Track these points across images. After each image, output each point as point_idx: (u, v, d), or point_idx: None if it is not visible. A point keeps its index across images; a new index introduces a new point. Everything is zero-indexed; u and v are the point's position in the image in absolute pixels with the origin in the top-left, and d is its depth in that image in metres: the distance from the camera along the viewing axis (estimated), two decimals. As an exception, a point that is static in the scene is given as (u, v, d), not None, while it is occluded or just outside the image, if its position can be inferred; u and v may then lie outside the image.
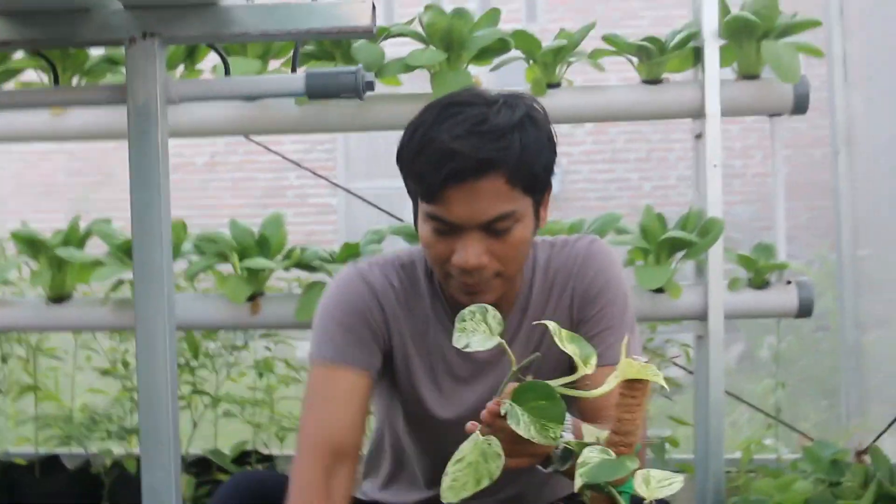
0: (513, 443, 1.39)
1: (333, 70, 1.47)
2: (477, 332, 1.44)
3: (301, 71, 1.57)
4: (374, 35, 1.61)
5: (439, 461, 1.96)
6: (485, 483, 1.39)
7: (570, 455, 1.56)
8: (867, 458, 2.90)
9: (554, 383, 1.40)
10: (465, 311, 1.44)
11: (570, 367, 1.81)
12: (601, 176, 9.51)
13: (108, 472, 3.10)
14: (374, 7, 1.58)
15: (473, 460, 1.39)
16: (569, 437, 1.54)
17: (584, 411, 1.78)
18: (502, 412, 1.37)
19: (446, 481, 1.39)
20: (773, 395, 3.10)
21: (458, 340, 1.42)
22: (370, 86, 1.43)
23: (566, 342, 1.43)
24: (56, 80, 1.83)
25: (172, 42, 1.52)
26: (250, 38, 1.49)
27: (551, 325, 1.42)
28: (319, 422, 1.80)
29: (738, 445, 3.08)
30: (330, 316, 1.87)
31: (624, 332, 1.86)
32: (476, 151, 1.65)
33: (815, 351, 6.30)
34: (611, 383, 1.38)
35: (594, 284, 1.89)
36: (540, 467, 1.57)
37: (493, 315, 1.45)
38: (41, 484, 3.18)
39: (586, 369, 1.41)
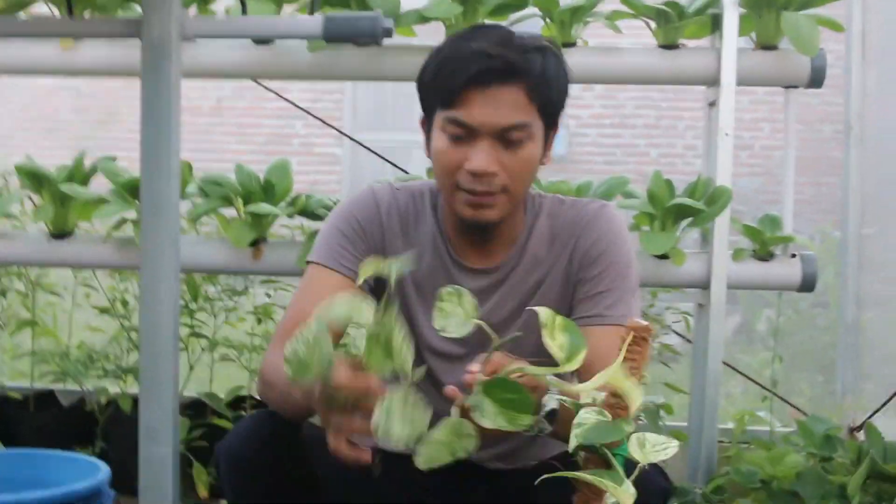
0: None
1: (352, 14, 1.45)
2: (454, 315, 1.44)
3: (318, 15, 1.55)
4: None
5: (425, 388, 1.99)
6: (460, 456, 1.40)
7: (553, 419, 1.56)
8: (860, 435, 2.91)
9: (539, 371, 1.40)
10: (444, 291, 1.45)
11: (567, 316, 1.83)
12: (608, 140, 9.47)
13: (102, 410, 3.10)
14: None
15: (445, 440, 1.40)
16: (554, 403, 1.55)
17: (580, 372, 1.80)
18: (466, 403, 1.38)
19: (420, 454, 1.40)
20: (769, 368, 3.09)
21: (437, 321, 1.45)
22: (388, 32, 1.41)
23: (557, 332, 1.41)
24: (70, 13, 1.81)
25: (190, -22, 1.51)
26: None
27: (542, 312, 1.42)
28: (298, 313, 1.84)
29: (731, 417, 3.09)
30: (331, 223, 1.97)
31: (624, 295, 1.90)
32: (503, 56, 1.77)
33: (812, 326, 6.30)
34: (596, 381, 1.38)
35: (597, 246, 1.92)
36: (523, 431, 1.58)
37: (469, 300, 1.46)
38: (35, 418, 3.19)
39: (568, 366, 1.40)
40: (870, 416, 2.93)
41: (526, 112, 1.80)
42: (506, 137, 1.80)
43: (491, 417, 1.38)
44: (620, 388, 1.37)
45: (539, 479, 1.48)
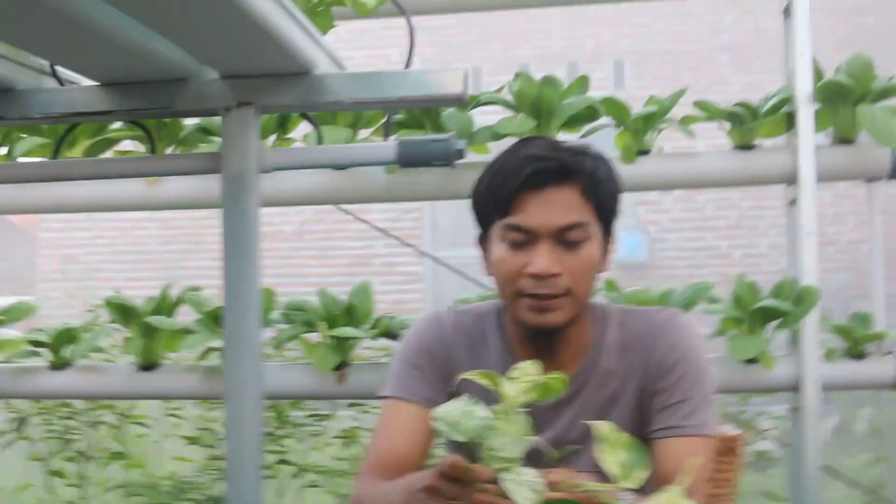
0: None
1: (425, 138, 1.47)
2: (507, 434, 1.41)
3: (392, 139, 1.57)
4: (466, 103, 1.62)
5: None
6: None
7: None
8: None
9: (599, 487, 1.36)
10: (496, 409, 1.43)
11: (640, 430, 1.79)
12: (690, 244, 9.40)
13: (194, 541, 3.10)
14: (466, 75, 1.60)
15: None
16: None
17: (657, 482, 1.75)
18: None
19: None
20: (870, 470, 2.98)
21: (491, 440, 1.42)
22: (460, 154, 1.42)
23: (616, 448, 1.38)
24: (153, 150, 1.86)
25: (267, 111, 1.54)
26: (343, 106, 1.51)
27: (598, 427, 1.39)
28: (382, 451, 1.87)
29: (835, 523, 2.98)
30: (400, 354, 1.97)
31: (701, 404, 1.85)
32: (556, 158, 1.81)
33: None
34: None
35: (670, 355, 1.88)
36: None
37: (521, 418, 1.43)
38: (129, 552, 3.19)
39: (624, 483, 1.36)
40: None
41: (582, 211, 1.82)
42: (565, 238, 1.81)
43: None
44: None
45: None
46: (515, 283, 1.83)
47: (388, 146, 1.47)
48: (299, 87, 1.59)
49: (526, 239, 1.82)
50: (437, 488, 1.47)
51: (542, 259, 1.80)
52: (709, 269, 9.08)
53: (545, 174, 1.80)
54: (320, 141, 1.89)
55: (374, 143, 1.78)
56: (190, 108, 1.62)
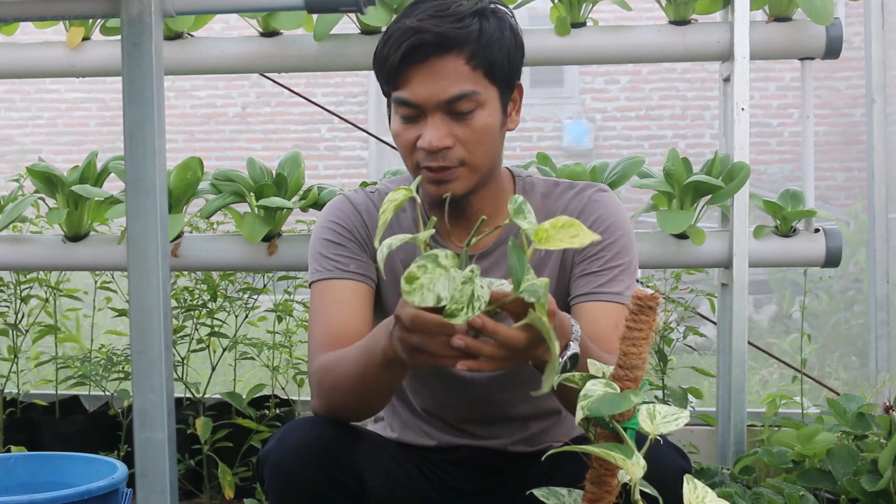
0: (508, 348, 1.42)
1: (333, -19, 1.41)
2: (436, 280, 1.37)
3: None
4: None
5: (429, 378, 1.96)
6: None
7: (576, 363, 1.52)
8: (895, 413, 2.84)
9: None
10: (411, 271, 1.36)
11: (563, 297, 1.80)
12: (635, 133, 9.39)
13: (125, 413, 3.09)
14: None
15: None
16: (575, 347, 1.51)
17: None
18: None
19: None
20: (801, 350, 3.02)
21: (425, 299, 1.35)
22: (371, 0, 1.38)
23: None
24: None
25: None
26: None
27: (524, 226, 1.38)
28: (327, 327, 1.86)
29: (763, 400, 3.03)
30: (319, 238, 1.96)
31: (621, 274, 1.87)
32: (436, 29, 1.74)
33: (848, 311, 6.22)
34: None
35: (595, 227, 1.89)
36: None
37: (444, 255, 1.38)
38: (60, 424, 3.18)
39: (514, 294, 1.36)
40: (904, 392, 2.86)
41: (469, 80, 1.77)
42: (453, 109, 1.78)
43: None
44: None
45: (545, 455, 1.45)
46: (412, 156, 1.83)
47: (296, -11, 1.42)
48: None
49: (416, 113, 1.80)
50: (407, 340, 1.45)
51: (431, 133, 1.78)
52: (653, 158, 9.05)
53: (424, 47, 1.76)
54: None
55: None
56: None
